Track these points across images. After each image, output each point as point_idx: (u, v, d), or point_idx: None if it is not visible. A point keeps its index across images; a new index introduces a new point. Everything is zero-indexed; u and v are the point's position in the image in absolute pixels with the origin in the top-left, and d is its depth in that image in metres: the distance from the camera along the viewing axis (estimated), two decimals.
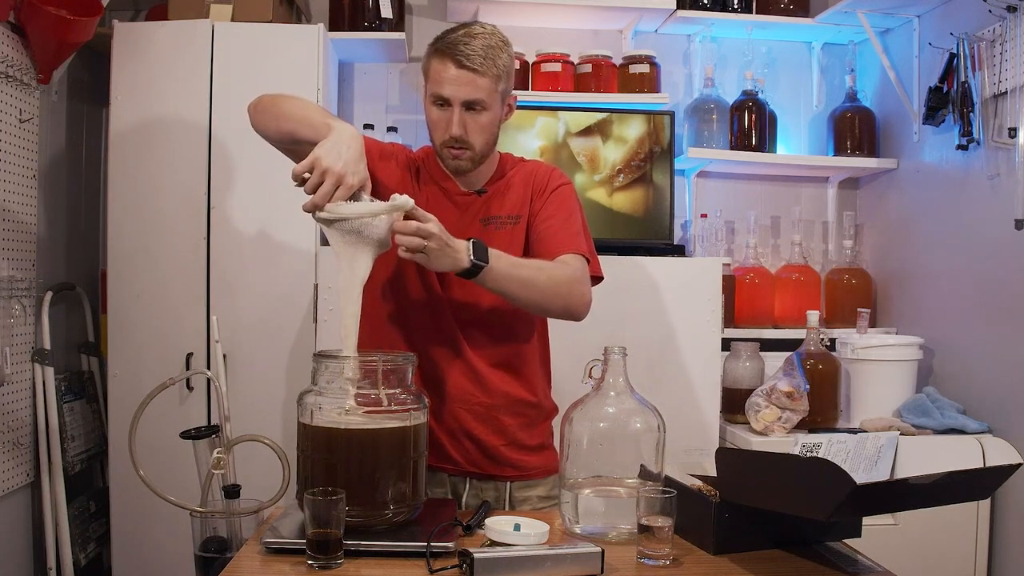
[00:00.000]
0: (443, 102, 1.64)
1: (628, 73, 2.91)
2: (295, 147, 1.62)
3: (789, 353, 2.61)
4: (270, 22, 2.56)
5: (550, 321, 1.83)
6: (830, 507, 1.19)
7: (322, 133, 1.53)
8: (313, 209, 1.47)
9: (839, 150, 3.04)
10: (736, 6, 2.97)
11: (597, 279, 1.77)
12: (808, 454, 1.42)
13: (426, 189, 1.74)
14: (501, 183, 1.77)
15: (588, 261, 1.71)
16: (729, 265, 2.98)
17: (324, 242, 2.52)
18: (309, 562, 1.27)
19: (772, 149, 3.02)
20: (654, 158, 2.80)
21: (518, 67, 2.87)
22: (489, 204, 1.75)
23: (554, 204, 1.74)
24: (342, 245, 1.49)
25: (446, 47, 1.63)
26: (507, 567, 1.24)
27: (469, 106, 1.64)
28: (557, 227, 1.71)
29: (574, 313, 1.67)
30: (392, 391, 1.42)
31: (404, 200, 1.46)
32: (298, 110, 1.62)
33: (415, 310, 1.72)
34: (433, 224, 1.46)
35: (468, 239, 1.51)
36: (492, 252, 1.53)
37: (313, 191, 1.46)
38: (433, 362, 1.72)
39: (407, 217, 1.46)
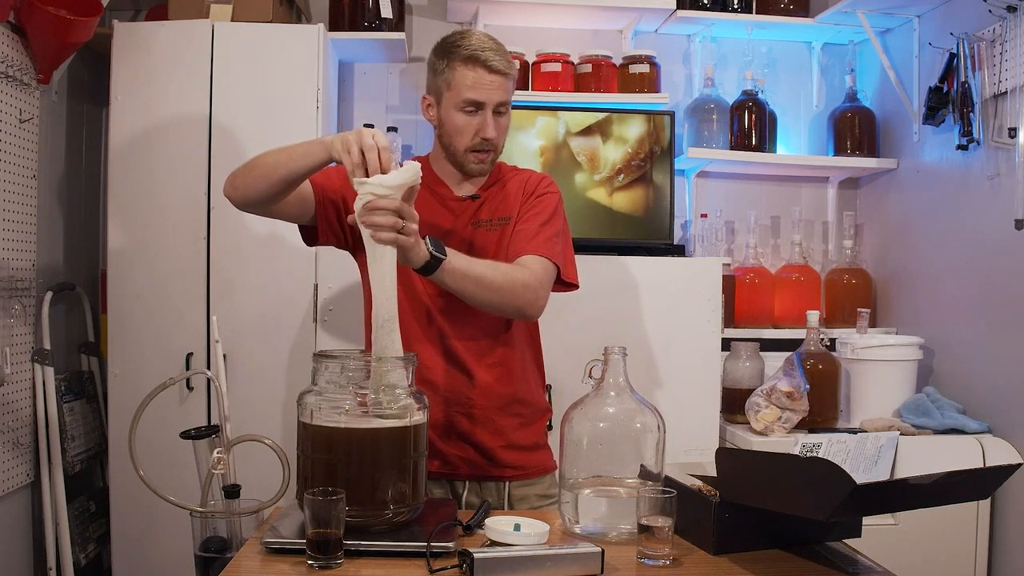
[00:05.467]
0: (475, 107, 1.69)
1: (628, 73, 2.91)
2: (287, 197, 1.65)
3: (789, 353, 2.61)
4: (270, 22, 2.56)
5: (546, 319, 1.83)
6: (830, 507, 1.19)
7: (316, 148, 1.55)
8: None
9: (839, 150, 3.04)
10: (736, 6, 2.97)
11: (571, 286, 1.78)
12: (808, 454, 1.41)
13: (419, 194, 1.75)
14: (494, 188, 1.80)
15: (558, 267, 1.72)
16: (729, 265, 2.98)
17: None
18: (309, 562, 1.27)
19: (772, 149, 3.02)
20: (654, 158, 2.80)
21: (517, 67, 2.86)
22: (481, 208, 1.78)
23: (536, 208, 1.77)
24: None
25: (474, 54, 1.68)
26: (507, 567, 1.24)
27: (497, 109, 1.71)
28: (531, 229, 1.73)
29: (526, 315, 1.70)
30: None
31: (417, 167, 1.48)
32: (280, 153, 1.61)
33: (404, 315, 1.73)
34: (415, 221, 1.48)
35: (425, 236, 1.53)
36: (448, 249, 1.55)
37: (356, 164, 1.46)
38: (426, 367, 1.72)
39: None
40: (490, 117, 1.69)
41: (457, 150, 1.74)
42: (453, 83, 1.70)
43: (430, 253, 1.51)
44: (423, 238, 1.51)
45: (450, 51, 1.71)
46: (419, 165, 1.49)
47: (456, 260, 1.56)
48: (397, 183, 1.45)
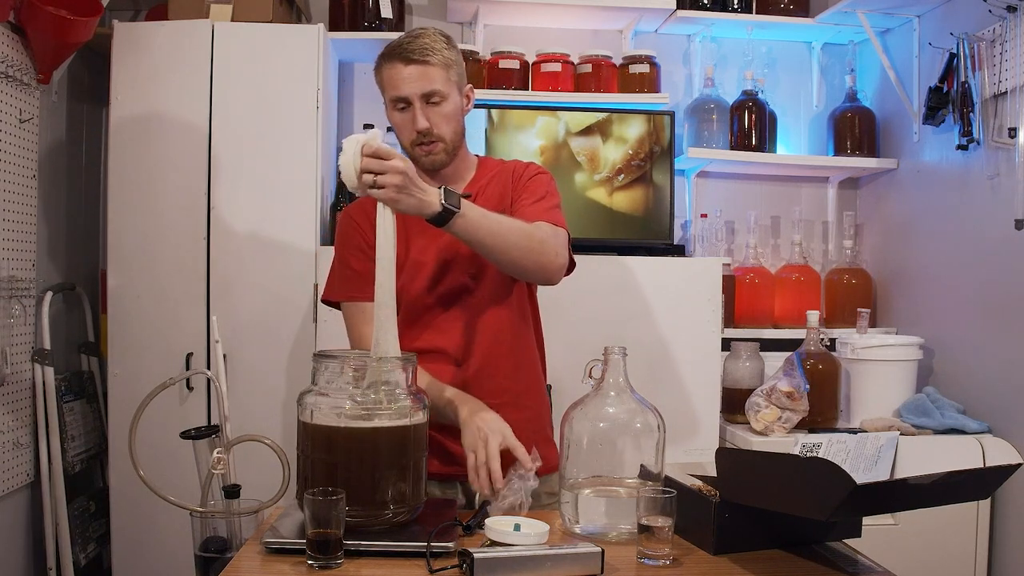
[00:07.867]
0: (403, 104, 1.68)
1: (628, 73, 2.91)
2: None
3: (789, 353, 2.61)
4: (270, 22, 2.56)
5: (546, 319, 1.83)
6: (830, 507, 1.19)
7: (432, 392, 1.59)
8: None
9: (839, 150, 3.04)
10: (736, 6, 2.97)
11: (570, 266, 1.76)
12: (808, 454, 1.41)
13: None
14: (483, 183, 1.79)
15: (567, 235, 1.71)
16: (729, 265, 2.98)
17: (324, 242, 2.52)
18: (309, 562, 1.27)
19: (772, 149, 3.02)
20: (654, 158, 2.80)
21: (517, 67, 2.88)
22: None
23: (530, 188, 1.76)
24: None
25: (390, 51, 1.68)
26: (507, 567, 1.24)
27: (428, 99, 1.67)
28: (532, 203, 1.72)
29: (548, 272, 1.66)
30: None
31: (363, 136, 1.44)
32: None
33: (410, 313, 1.72)
34: (399, 160, 1.45)
35: (440, 187, 1.51)
36: (464, 201, 1.53)
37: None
38: (431, 370, 1.71)
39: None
40: (418, 109, 1.67)
41: (406, 148, 1.74)
42: (382, 84, 1.71)
43: (442, 204, 1.48)
44: (440, 189, 1.50)
45: (379, 54, 1.71)
46: (373, 132, 1.47)
47: (471, 212, 1.52)
48: (350, 156, 1.43)
